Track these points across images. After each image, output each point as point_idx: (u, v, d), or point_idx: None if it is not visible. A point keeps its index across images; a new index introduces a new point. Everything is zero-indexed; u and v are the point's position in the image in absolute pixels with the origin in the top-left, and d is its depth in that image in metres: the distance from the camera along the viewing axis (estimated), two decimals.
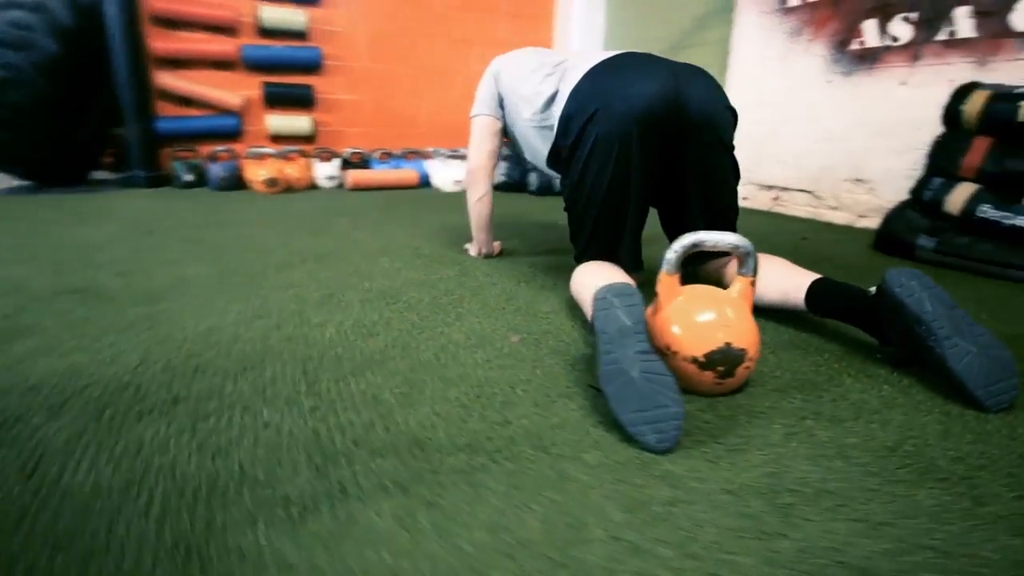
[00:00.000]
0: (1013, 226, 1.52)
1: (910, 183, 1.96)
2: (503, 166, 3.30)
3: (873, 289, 0.96)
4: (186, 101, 3.10)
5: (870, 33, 2.13)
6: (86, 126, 2.84)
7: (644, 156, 1.03)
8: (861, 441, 0.71)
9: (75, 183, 3.07)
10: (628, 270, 1.11)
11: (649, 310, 0.86)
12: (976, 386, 0.79)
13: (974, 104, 1.66)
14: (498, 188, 3.32)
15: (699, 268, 1.26)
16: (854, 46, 2.19)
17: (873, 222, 2.16)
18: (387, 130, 3.68)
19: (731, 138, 1.09)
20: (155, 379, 0.81)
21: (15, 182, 3.06)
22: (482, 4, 3.78)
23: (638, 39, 3.47)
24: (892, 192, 2.09)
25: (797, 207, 2.52)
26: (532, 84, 1.28)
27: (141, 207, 2.39)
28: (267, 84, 3.23)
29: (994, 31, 1.78)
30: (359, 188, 3.17)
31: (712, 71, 1.14)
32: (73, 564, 0.47)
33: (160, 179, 3.03)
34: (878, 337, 0.97)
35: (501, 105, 1.43)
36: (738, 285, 0.86)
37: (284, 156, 3.11)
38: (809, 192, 2.46)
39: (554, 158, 1.20)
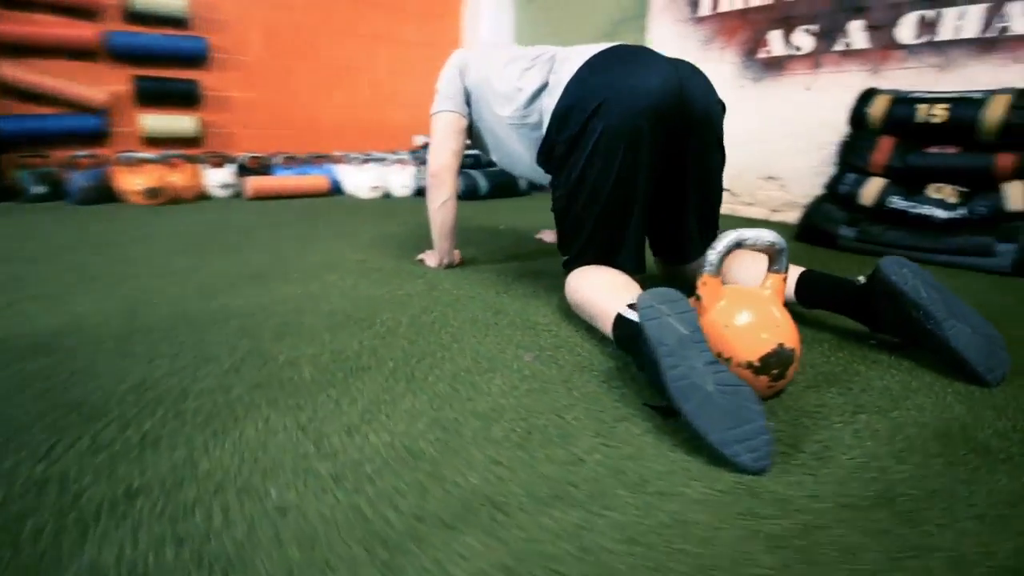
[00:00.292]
0: (919, 214, 1.71)
1: (818, 179, 2.15)
2: (425, 170, 3.14)
3: (861, 278, 0.99)
4: (34, 96, 2.53)
5: (776, 43, 2.31)
6: None
7: (651, 152, 0.97)
8: (917, 431, 0.70)
9: None
10: (630, 272, 1.04)
11: None
12: (978, 363, 0.84)
13: (877, 107, 1.85)
14: (420, 194, 3.15)
15: (676, 268, 1.24)
16: (762, 54, 2.37)
17: (786, 216, 2.34)
18: (287, 132, 3.34)
19: (723, 134, 1.08)
20: (86, 466, 0.58)
21: None
22: (388, 1, 3.57)
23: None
24: (801, 188, 2.28)
25: None
26: (509, 79, 1.18)
27: None
28: (139, 78, 2.75)
29: (883, 43, 2.00)
30: (261, 197, 2.82)
31: None
32: None
33: (2, 192, 2.44)
34: (869, 324, 1.00)
35: (468, 102, 1.30)
36: (770, 282, 0.83)
37: (167, 162, 2.67)
38: (726, 190, 2.61)
39: (545, 156, 1.10)
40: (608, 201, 1.00)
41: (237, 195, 2.94)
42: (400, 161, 3.20)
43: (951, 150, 1.70)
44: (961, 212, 1.64)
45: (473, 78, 1.27)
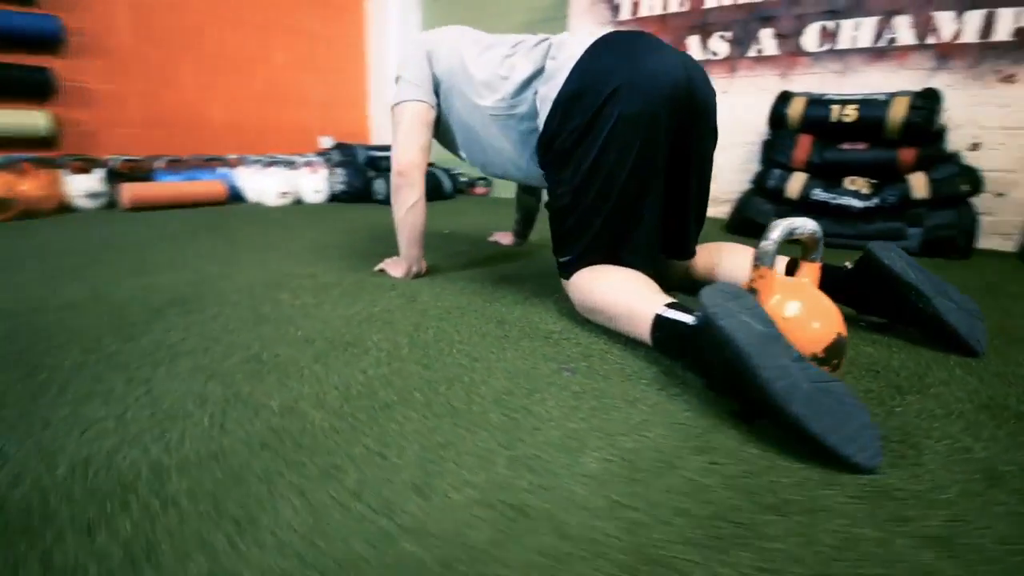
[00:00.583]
0: (839, 205, 1.88)
1: (739, 175, 2.29)
2: (342, 174, 2.88)
3: (848, 264, 1.03)
4: None
5: (694, 48, 2.43)
6: None
7: (667, 141, 0.92)
8: (962, 405, 0.72)
9: None
10: (642, 271, 0.99)
11: None
12: (968, 336, 0.90)
13: (795, 108, 2.00)
14: (335, 199, 2.89)
15: (669, 264, 1.21)
16: None
17: (711, 211, 2.47)
18: (168, 132, 2.88)
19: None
20: None
21: None
22: None
23: None
24: (724, 184, 2.42)
25: None
26: (489, 66, 1.06)
27: None
28: None
29: (791, 50, 2.18)
30: (142, 207, 2.40)
31: None
32: None
33: None
34: (856, 307, 1.04)
35: (436, 91, 1.16)
36: (806, 270, 0.82)
37: (14, 168, 2.15)
38: None
39: (544, 148, 1.01)
40: (622, 194, 0.93)
41: (110, 205, 2.47)
42: (310, 164, 2.90)
43: (861, 146, 1.89)
44: (875, 201, 1.82)
45: (444, 64, 1.14)
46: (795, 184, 1.97)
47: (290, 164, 2.86)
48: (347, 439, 0.60)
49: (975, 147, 1.87)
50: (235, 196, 2.81)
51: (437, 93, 1.17)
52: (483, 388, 0.73)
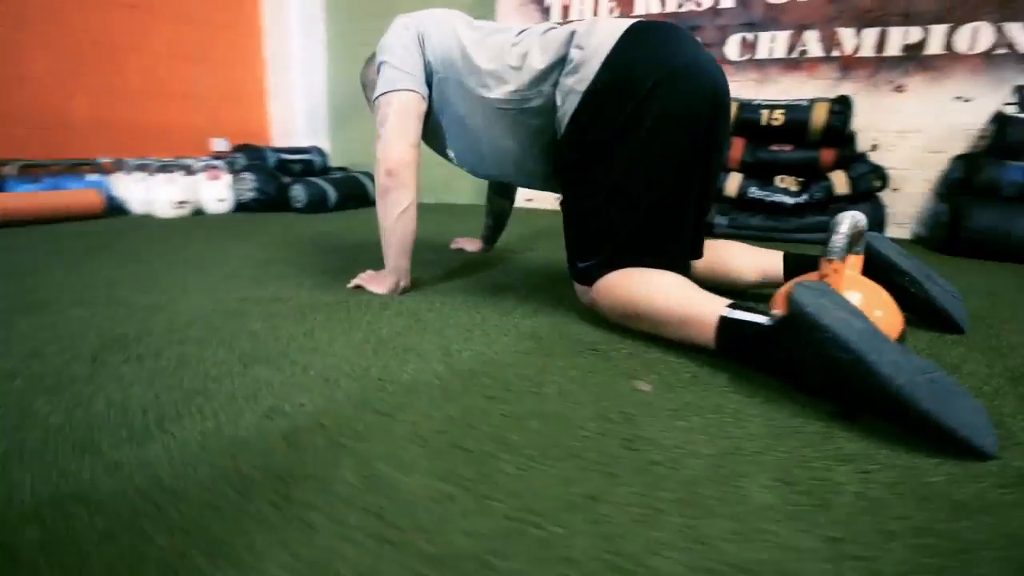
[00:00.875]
0: (773, 201, 2.03)
1: None
2: (252, 179, 2.55)
3: None
4: None
5: None
6: None
7: (706, 139, 0.89)
8: (997, 381, 0.76)
9: None
10: (679, 271, 0.95)
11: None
12: (958, 317, 0.99)
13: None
14: (244, 208, 2.55)
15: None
16: None
17: None
18: (17, 131, 2.34)
19: None
20: None
21: None
22: None
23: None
24: None
25: None
26: (496, 54, 0.96)
27: None
28: None
29: (716, 58, 2.32)
30: None
31: None
32: None
33: None
34: None
35: (428, 81, 1.03)
36: (852, 262, 0.84)
37: None
38: None
39: (571, 144, 0.92)
40: (664, 193, 0.88)
41: None
42: (211, 169, 2.53)
43: (788, 148, 2.06)
44: (804, 198, 1.99)
45: (439, 51, 1.01)
46: (732, 183, 2.09)
47: (186, 169, 2.46)
48: (510, 533, 0.47)
49: (874, 148, 2.13)
50: (114, 208, 2.36)
51: (428, 83, 1.04)
52: (576, 417, 0.64)
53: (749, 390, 0.72)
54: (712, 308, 0.79)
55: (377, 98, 1.02)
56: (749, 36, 2.25)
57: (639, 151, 0.86)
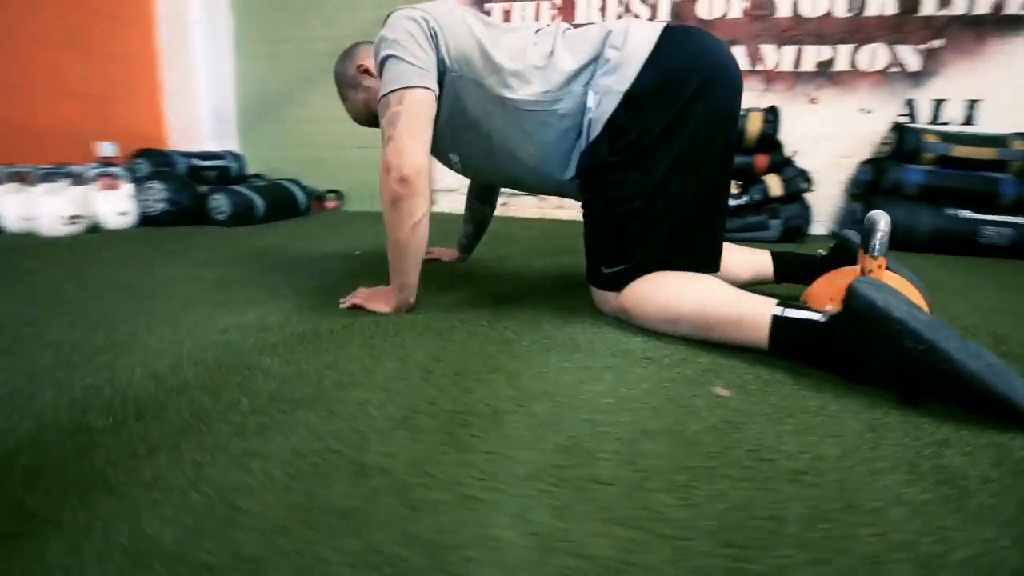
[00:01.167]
0: None
1: None
2: (161, 189, 2.23)
3: (822, 251, 1.18)
4: None
5: None
6: None
7: (734, 140, 0.90)
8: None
9: None
10: (711, 272, 0.96)
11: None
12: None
13: None
14: (152, 222, 2.23)
15: None
16: None
17: None
18: None
19: None
20: None
21: None
22: None
23: (296, 40, 2.92)
24: None
25: (526, 209, 2.77)
26: (519, 53, 0.90)
27: None
28: None
29: None
30: None
31: None
32: None
33: None
34: None
35: (440, 79, 0.94)
36: (879, 261, 0.90)
37: None
38: (535, 196, 2.74)
39: (610, 146, 0.88)
40: (702, 196, 0.88)
41: None
42: (106, 177, 2.16)
43: None
44: (744, 199, 2.14)
45: (455, 47, 0.93)
46: None
47: (74, 178, 2.08)
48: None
49: (795, 154, 2.35)
50: None
51: (439, 81, 0.95)
52: (686, 431, 0.61)
53: (815, 387, 0.74)
54: (763, 308, 0.80)
55: (385, 96, 0.92)
56: None
57: (681, 153, 0.86)
